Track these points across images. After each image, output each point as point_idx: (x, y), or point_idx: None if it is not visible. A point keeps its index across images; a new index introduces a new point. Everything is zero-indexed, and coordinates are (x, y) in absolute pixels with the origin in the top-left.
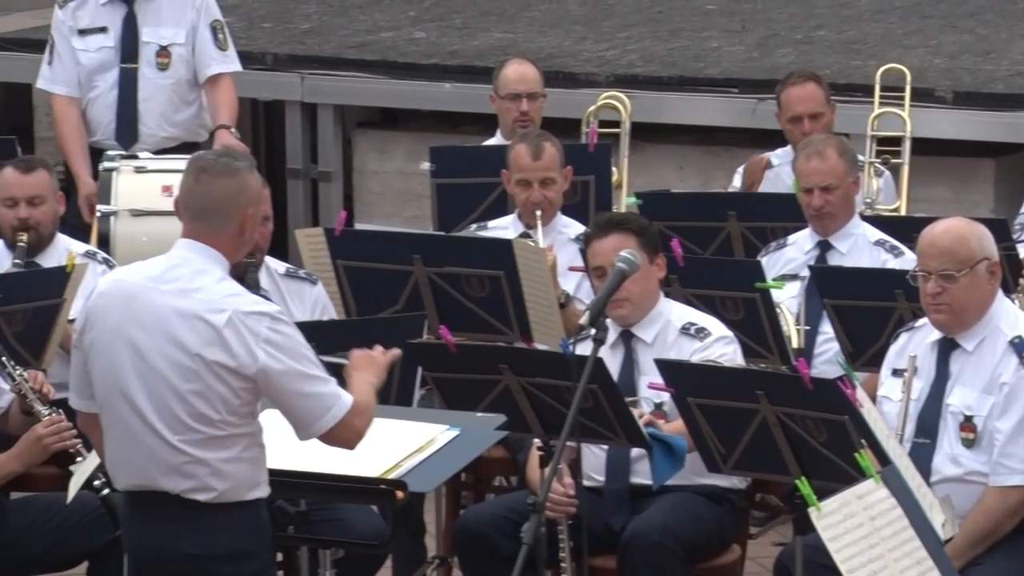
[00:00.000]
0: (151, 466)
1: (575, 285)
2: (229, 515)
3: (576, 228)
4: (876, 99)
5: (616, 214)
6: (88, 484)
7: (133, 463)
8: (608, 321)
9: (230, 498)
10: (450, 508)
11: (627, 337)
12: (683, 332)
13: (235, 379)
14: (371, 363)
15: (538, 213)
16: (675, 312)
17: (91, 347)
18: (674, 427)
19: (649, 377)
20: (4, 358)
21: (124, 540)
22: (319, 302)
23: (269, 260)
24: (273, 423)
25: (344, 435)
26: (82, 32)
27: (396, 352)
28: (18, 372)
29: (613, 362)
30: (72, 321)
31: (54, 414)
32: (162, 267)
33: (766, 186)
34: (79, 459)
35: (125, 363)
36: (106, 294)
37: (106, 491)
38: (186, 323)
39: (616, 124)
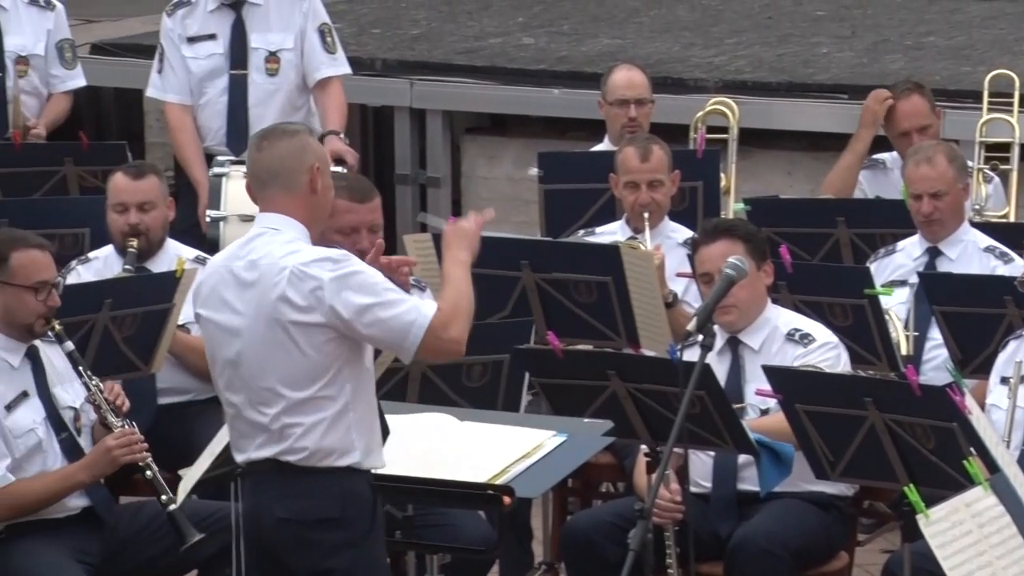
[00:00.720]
0: (254, 433)
1: (682, 290)
2: (320, 480)
3: (684, 233)
4: (985, 105)
5: (724, 220)
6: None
7: (244, 433)
8: (715, 327)
9: (320, 462)
10: (557, 514)
11: (734, 343)
12: (788, 338)
13: (314, 333)
14: (462, 236)
15: (646, 215)
16: (782, 318)
17: (204, 335)
18: (769, 423)
19: (756, 383)
20: (81, 367)
21: (242, 516)
22: None
23: None
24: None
25: (441, 347)
26: (191, 39)
27: (487, 214)
28: (94, 383)
29: (720, 368)
30: (182, 326)
31: (127, 426)
32: (240, 242)
33: (875, 190)
34: (148, 472)
35: (225, 343)
36: (202, 282)
37: (172, 507)
38: (258, 294)
39: (724, 130)
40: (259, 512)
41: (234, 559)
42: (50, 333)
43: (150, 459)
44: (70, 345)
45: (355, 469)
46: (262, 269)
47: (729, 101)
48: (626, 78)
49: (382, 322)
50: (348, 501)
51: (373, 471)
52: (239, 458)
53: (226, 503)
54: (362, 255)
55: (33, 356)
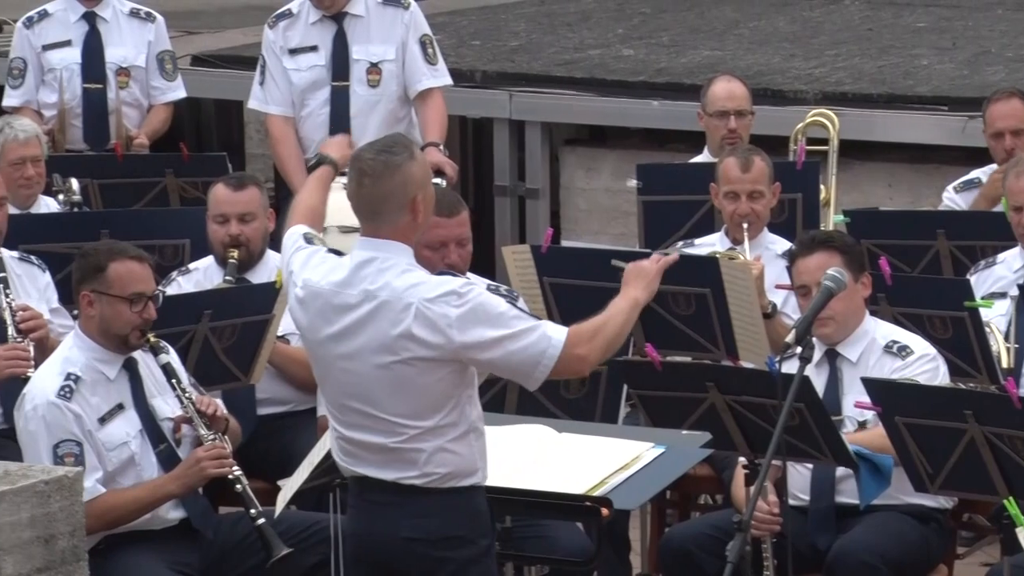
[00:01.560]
0: (371, 456)
1: (781, 301)
2: (444, 500)
3: (783, 244)
4: None
5: (822, 232)
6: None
7: (355, 453)
8: (814, 339)
9: (447, 483)
10: (655, 525)
11: (832, 356)
12: (887, 350)
13: (437, 367)
14: (639, 276)
15: (745, 227)
16: (880, 330)
17: (306, 350)
18: (868, 437)
19: (853, 396)
20: (174, 380)
21: (345, 526)
22: None
23: (471, 277)
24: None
25: (570, 367)
26: (293, 51)
27: (670, 258)
28: (187, 395)
29: (818, 380)
30: (282, 337)
31: (217, 440)
32: (347, 270)
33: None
34: (237, 487)
35: (334, 368)
36: (304, 303)
37: (260, 521)
38: (375, 325)
39: (824, 142)
40: (380, 531)
41: (332, 570)
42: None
43: (240, 472)
44: (164, 358)
45: (477, 487)
46: (381, 302)
47: (829, 113)
48: (726, 90)
49: (511, 355)
50: (473, 519)
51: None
52: (348, 470)
53: (325, 515)
54: (451, 268)
55: (131, 368)
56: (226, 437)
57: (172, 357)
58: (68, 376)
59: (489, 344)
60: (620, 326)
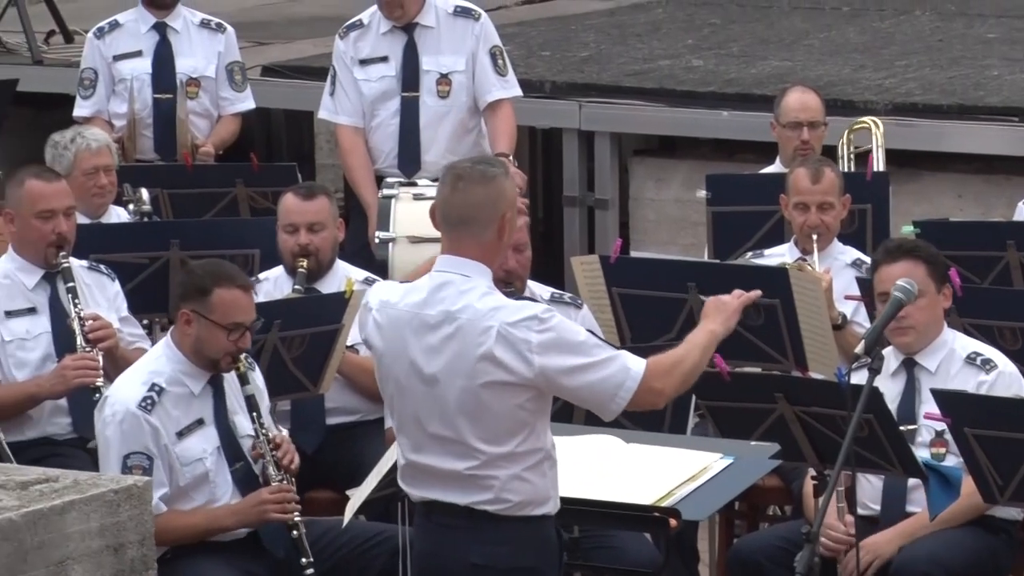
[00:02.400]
0: (442, 480)
1: (851, 312)
2: (516, 529)
3: (852, 255)
4: None
5: (907, 240)
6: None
7: (425, 477)
8: (890, 349)
9: (520, 512)
10: (723, 537)
11: (910, 365)
12: (969, 362)
13: (516, 393)
14: (719, 309)
15: (814, 237)
16: (958, 341)
17: (380, 374)
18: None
19: (929, 405)
20: (255, 414)
21: (413, 542)
22: (586, 326)
23: (533, 285)
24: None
25: (645, 400)
26: (363, 62)
27: (752, 294)
28: (263, 430)
29: (894, 389)
30: (351, 347)
31: (285, 482)
32: (425, 291)
33: None
34: (294, 532)
35: (410, 390)
36: (381, 325)
37: (309, 571)
38: (456, 349)
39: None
40: (448, 555)
41: None
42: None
43: (299, 519)
44: (250, 389)
45: (548, 516)
46: (462, 324)
47: (874, 119)
48: (800, 101)
49: (590, 384)
50: (542, 549)
51: None
52: (415, 495)
53: (390, 525)
54: (509, 273)
55: (215, 384)
56: (293, 480)
57: (257, 376)
58: (152, 387)
59: (569, 371)
60: (697, 360)
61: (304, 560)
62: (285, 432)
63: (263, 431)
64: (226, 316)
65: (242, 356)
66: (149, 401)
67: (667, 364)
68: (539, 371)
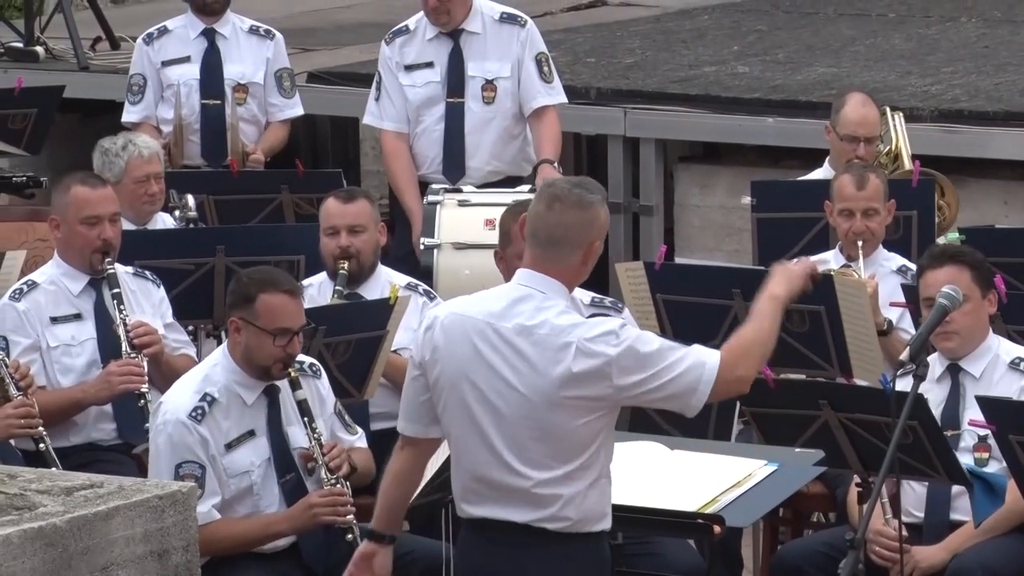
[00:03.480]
0: (503, 497)
1: (896, 318)
2: (574, 546)
3: (897, 261)
4: None
5: (953, 246)
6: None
7: (484, 493)
8: (935, 354)
9: (578, 529)
10: (767, 543)
11: (955, 370)
12: (1012, 367)
13: (591, 409)
14: (783, 274)
15: (859, 244)
16: (1003, 347)
17: (436, 383)
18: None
19: (974, 411)
20: (306, 419)
21: (459, 562)
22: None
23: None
24: None
25: (727, 390)
26: (408, 68)
27: (816, 267)
28: (316, 434)
29: (939, 395)
30: (396, 351)
31: (338, 486)
32: (504, 302)
33: None
34: (348, 536)
35: (476, 402)
36: (448, 329)
37: (350, 536)
38: (532, 363)
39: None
40: (504, 573)
41: None
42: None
43: (353, 521)
44: (302, 394)
45: (603, 533)
46: (539, 338)
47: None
48: (861, 116)
49: (668, 386)
50: (596, 566)
51: None
52: (470, 512)
53: (425, 542)
54: None
55: (271, 394)
56: (347, 482)
57: (323, 384)
58: (204, 397)
59: (647, 380)
60: (768, 332)
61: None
62: (358, 437)
63: (316, 435)
64: (272, 321)
65: (307, 364)
66: (199, 412)
67: (741, 348)
68: (617, 386)
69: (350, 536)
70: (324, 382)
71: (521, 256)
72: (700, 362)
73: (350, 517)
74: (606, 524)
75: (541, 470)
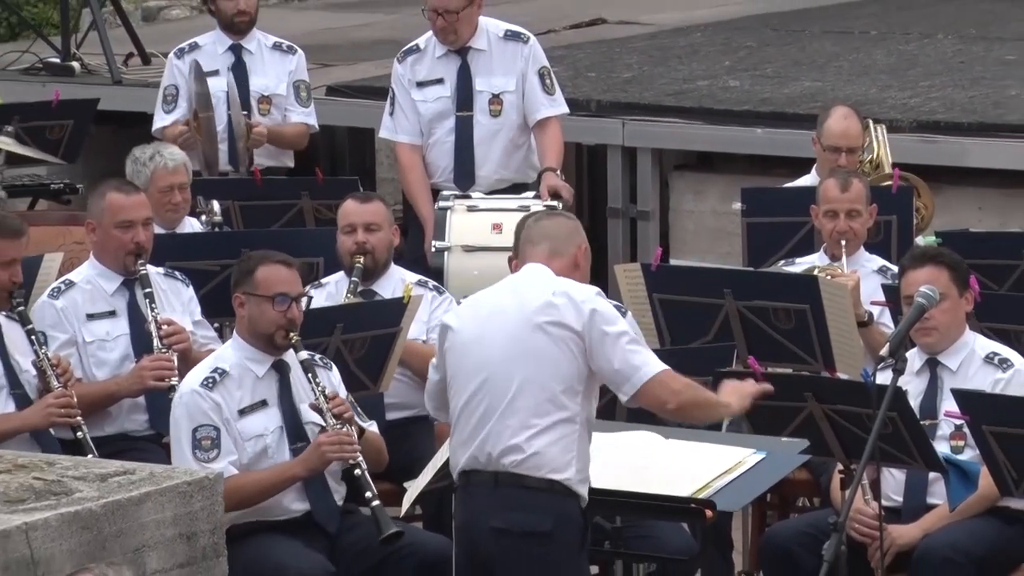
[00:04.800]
0: (492, 439)
1: (876, 316)
2: (531, 495)
3: (878, 262)
4: None
5: (933, 248)
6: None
7: (477, 438)
8: (915, 349)
9: (544, 475)
10: (756, 526)
11: (933, 364)
12: (987, 361)
13: (564, 339)
14: (735, 391)
15: (843, 243)
16: (978, 343)
17: (451, 356)
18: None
19: (950, 402)
20: (310, 375)
21: (455, 519)
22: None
23: None
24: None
25: (652, 395)
26: (420, 84)
27: (767, 388)
28: (319, 387)
29: (918, 387)
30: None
31: (343, 429)
32: (507, 283)
33: None
34: (356, 471)
35: (484, 338)
36: (464, 307)
37: (375, 503)
38: (521, 298)
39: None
40: (474, 522)
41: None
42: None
43: (360, 459)
44: (304, 354)
45: (568, 489)
46: (536, 293)
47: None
48: (843, 128)
49: (620, 357)
50: (559, 519)
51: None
52: (462, 465)
53: (425, 536)
54: None
55: (281, 370)
56: (352, 428)
57: (333, 375)
58: (215, 370)
59: (608, 336)
60: (703, 404)
61: (369, 493)
62: (371, 424)
63: (319, 387)
64: (270, 288)
65: (317, 357)
66: (210, 381)
67: (684, 381)
68: (587, 324)
69: (358, 472)
70: (335, 373)
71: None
72: (650, 360)
73: (358, 455)
74: (569, 475)
75: (527, 406)
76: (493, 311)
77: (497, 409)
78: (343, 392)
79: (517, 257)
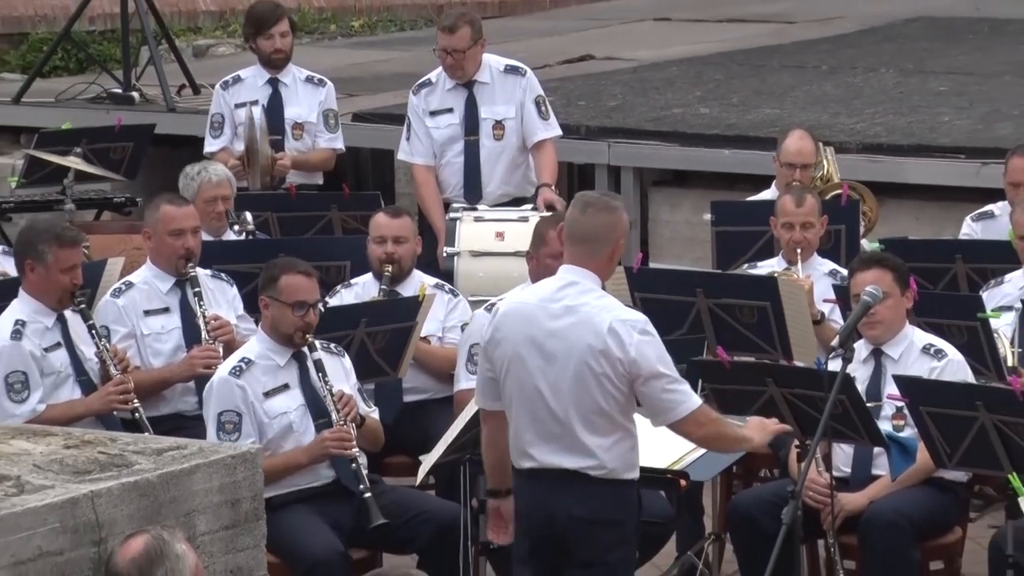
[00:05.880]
0: (555, 449)
1: (827, 312)
2: (610, 489)
3: (829, 266)
4: None
5: (877, 253)
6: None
7: (539, 447)
8: (862, 341)
9: (612, 476)
10: (724, 494)
11: (877, 354)
12: (924, 351)
13: (613, 373)
14: (760, 427)
15: (798, 251)
16: (917, 335)
17: (500, 359)
18: (912, 472)
19: (892, 387)
20: (320, 374)
21: (519, 506)
22: None
23: None
24: None
25: (684, 428)
26: (432, 113)
27: (785, 428)
28: (328, 387)
29: (864, 373)
30: (424, 338)
31: (345, 427)
32: (552, 288)
33: (987, 235)
34: (352, 465)
35: (534, 371)
36: (510, 314)
37: (367, 495)
38: (575, 336)
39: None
40: (553, 508)
41: (462, 535)
42: (305, 348)
43: (357, 454)
44: (318, 355)
45: (632, 481)
46: (581, 317)
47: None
48: (798, 147)
49: (660, 393)
50: (628, 507)
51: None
52: (527, 464)
53: (437, 503)
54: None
55: (299, 358)
56: (353, 424)
57: (345, 361)
58: (242, 359)
59: (651, 375)
60: (727, 439)
61: (361, 486)
62: (373, 410)
63: (328, 387)
64: (291, 295)
65: (332, 346)
66: (238, 369)
67: (712, 417)
68: (632, 359)
69: (353, 465)
70: (346, 360)
71: (552, 256)
72: (689, 394)
73: (354, 450)
74: (634, 474)
75: (586, 425)
76: (546, 335)
77: (560, 425)
78: (353, 378)
79: (536, 254)
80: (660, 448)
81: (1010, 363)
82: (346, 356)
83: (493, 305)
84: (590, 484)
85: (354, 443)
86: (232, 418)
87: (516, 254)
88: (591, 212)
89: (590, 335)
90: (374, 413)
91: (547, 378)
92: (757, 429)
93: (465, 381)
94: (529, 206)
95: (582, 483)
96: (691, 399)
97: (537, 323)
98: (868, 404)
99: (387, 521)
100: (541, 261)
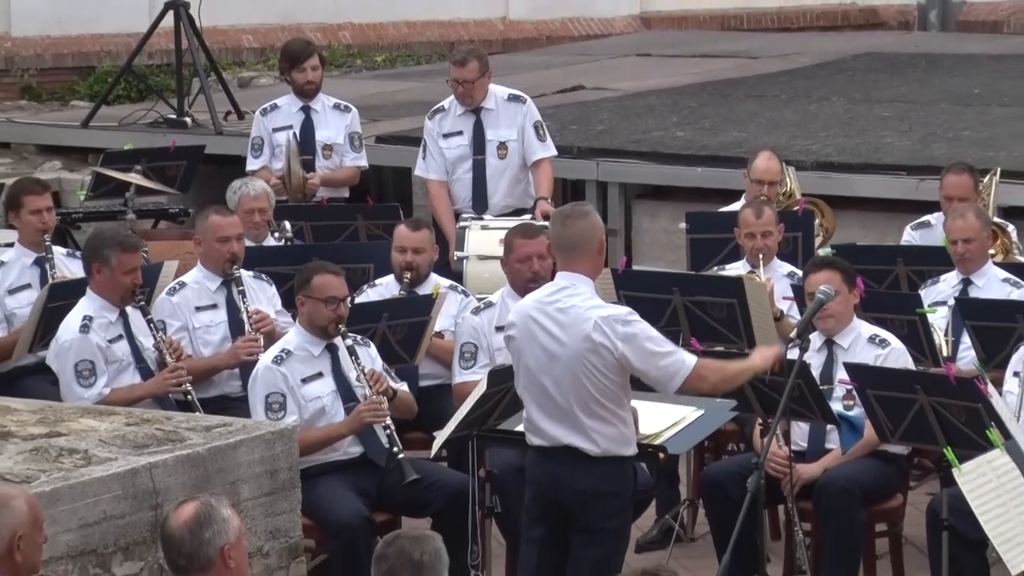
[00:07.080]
0: (560, 430)
1: (786, 309)
2: (607, 465)
3: (787, 268)
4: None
5: (829, 257)
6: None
7: (548, 429)
8: (816, 332)
9: (610, 453)
10: (697, 465)
11: (830, 344)
12: (870, 341)
13: (606, 364)
14: (761, 353)
15: (760, 257)
16: (864, 327)
17: (515, 352)
18: (861, 446)
19: (842, 373)
20: (354, 358)
21: (531, 476)
22: None
23: None
24: None
25: (695, 386)
26: (445, 135)
27: (784, 354)
28: (360, 367)
29: (818, 361)
30: (438, 333)
31: (376, 398)
32: (547, 292)
33: (924, 241)
34: (386, 431)
35: (539, 369)
36: (518, 312)
37: (400, 455)
38: (568, 335)
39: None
40: (560, 481)
41: (471, 503)
42: (339, 338)
43: (389, 421)
44: (349, 341)
45: (628, 457)
46: (571, 316)
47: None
48: (766, 167)
49: (657, 368)
50: (624, 480)
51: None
52: (537, 442)
53: (449, 473)
54: (535, 275)
55: (331, 350)
56: (384, 398)
57: (372, 350)
58: (282, 350)
59: (643, 356)
60: (733, 377)
61: (395, 448)
62: (402, 384)
63: (360, 366)
64: (323, 292)
65: (359, 337)
66: (279, 358)
67: (712, 367)
68: (621, 353)
69: (388, 431)
70: (372, 349)
71: (519, 260)
72: (682, 360)
73: (387, 419)
74: (630, 451)
75: (584, 409)
76: (547, 334)
77: (561, 409)
78: (379, 364)
79: (507, 260)
80: (642, 426)
81: (945, 352)
82: (372, 346)
83: (479, 309)
84: (591, 461)
85: (387, 412)
86: (278, 399)
87: None
88: (570, 222)
89: (582, 334)
90: (403, 387)
91: (550, 375)
92: (757, 355)
93: (459, 376)
94: (528, 216)
95: (584, 460)
96: (685, 363)
97: (539, 325)
98: (822, 387)
99: (419, 476)
100: (511, 265)
